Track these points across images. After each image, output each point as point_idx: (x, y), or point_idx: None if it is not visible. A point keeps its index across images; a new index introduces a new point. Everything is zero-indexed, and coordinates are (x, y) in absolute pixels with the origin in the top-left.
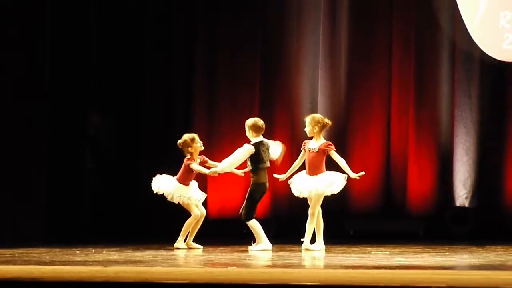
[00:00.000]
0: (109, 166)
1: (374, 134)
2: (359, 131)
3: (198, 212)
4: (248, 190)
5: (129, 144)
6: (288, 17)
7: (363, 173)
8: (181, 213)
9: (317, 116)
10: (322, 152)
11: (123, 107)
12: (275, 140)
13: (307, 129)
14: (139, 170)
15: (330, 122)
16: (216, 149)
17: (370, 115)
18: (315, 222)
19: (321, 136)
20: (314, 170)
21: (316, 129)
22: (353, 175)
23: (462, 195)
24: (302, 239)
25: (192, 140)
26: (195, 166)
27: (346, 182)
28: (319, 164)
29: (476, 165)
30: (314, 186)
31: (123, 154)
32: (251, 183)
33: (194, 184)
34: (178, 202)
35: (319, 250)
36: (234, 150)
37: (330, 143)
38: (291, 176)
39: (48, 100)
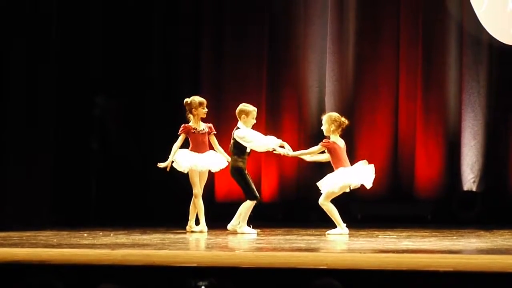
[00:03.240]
0: (117, 149)
1: (382, 118)
2: (367, 115)
3: (198, 190)
4: (236, 175)
5: (137, 127)
6: (296, 1)
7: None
8: (190, 195)
9: (334, 114)
10: (329, 152)
11: (130, 90)
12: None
13: (324, 128)
14: (146, 154)
15: (347, 122)
16: (224, 133)
17: (378, 99)
18: (331, 210)
19: (337, 135)
20: (334, 167)
21: (333, 127)
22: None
23: (469, 179)
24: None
25: (200, 104)
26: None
27: (347, 181)
28: (334, 162)
29: (483, 149)
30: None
31: (131, 137)
32: (235, 166)
33: (210, 154)
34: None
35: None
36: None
37: (323, 141)
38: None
39: (54, 83)
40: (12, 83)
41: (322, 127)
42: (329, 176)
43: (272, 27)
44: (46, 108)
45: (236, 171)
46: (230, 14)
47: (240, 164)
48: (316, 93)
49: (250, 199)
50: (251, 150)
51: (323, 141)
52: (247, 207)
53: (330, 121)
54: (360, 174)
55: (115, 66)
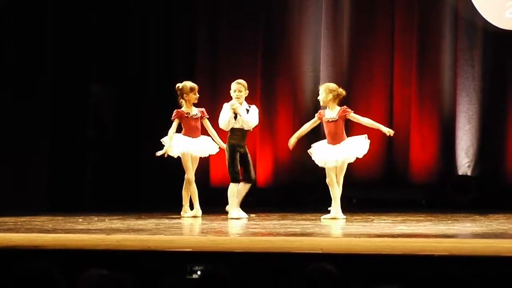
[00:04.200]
0: (112, 134)
1: (377, 103)
2: (362, 100)
3: (192, 175)
4: (226, 151)
5: (132, 114)
6: None
7: (392, 132)
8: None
9: (332, 84)
10: (341, 120)
11: (125, 78)
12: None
13: (321, 97)
14: (141, 139)
15: (344, 92)
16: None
17: (373, 84)
18: (335, 191)
19: (336, 105)
20: (336, 139)
21: (330, 96)
22: (386, 130)
23: (464, 163)
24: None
25: (192, 89)
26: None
27: (369, 142)
28: (341, 132)
29: (478, 133)
30: (341, 155)
31: (125, 124)
32: (227, 143)
33: (202, 138)
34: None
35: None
36: None
37: (346, 107)
38: (298, 141)
39: (50, 71)
40: (10, 69)
41: (318, 97)
42: (347, 146)
43: (268, 13)
44: (42, 95)
45: (227, 148)
46: (225, 1)
47: (232, 141)
48: (311, 78)
49: (231, 181)
50: (245, 129)
51: (342, 109)
52: (231, 190)
53: (328, 90)
54: (358, 147)
55: (110, 54)
